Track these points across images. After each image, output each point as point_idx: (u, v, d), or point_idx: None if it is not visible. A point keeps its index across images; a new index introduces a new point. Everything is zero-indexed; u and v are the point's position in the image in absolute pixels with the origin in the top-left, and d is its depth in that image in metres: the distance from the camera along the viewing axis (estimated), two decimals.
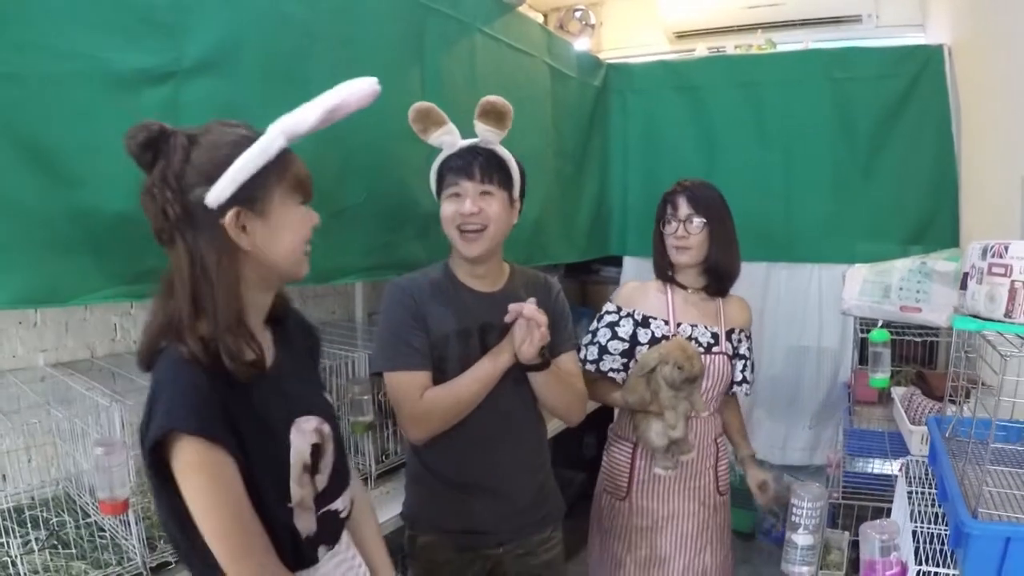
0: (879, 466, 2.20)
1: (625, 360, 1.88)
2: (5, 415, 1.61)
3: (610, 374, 1.88)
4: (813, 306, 2.81)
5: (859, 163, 2.71)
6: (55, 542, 1.50)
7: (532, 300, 1.47)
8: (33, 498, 1.64)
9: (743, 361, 1.95)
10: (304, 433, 1.07)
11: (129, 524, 1.43)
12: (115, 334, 1.90)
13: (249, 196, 0.97)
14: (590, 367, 1.88)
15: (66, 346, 1.79)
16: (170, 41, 1.27)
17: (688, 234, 1.85)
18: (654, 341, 1.85)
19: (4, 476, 1.65)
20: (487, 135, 1.52)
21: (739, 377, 1.94)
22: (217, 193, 0.95)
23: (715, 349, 1.89)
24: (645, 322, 1.88)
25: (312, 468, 1.08)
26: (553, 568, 1.71)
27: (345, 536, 1.22)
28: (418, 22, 1.88)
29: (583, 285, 3.78)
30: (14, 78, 1.07)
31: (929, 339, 2.44)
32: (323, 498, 1.11)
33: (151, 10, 1.25)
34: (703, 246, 1.86)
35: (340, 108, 1.01)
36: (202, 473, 0.93)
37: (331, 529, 1.14)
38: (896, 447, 1.95)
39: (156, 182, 0.96)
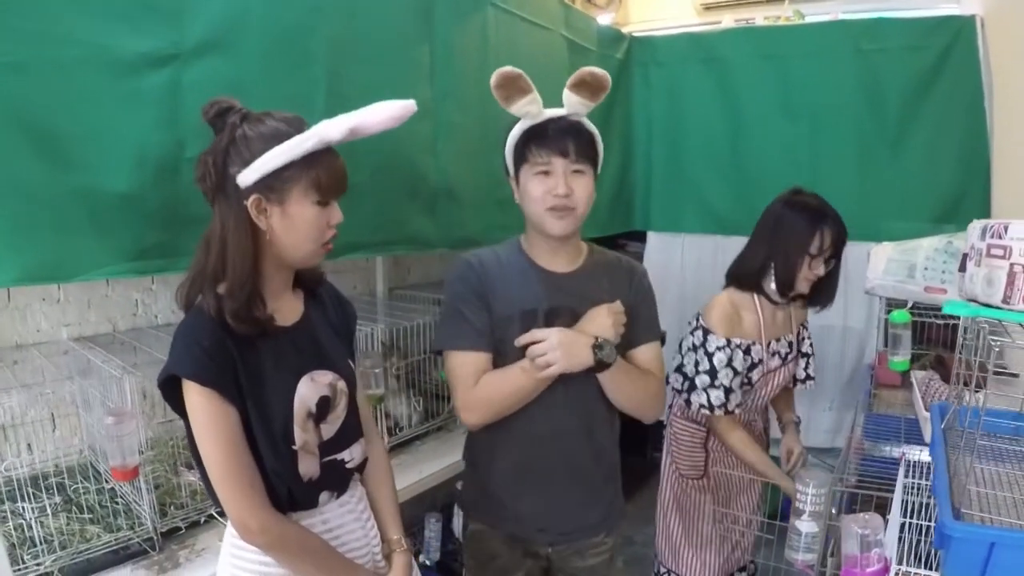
0: (897, 454, 2.16)
1: (742, 391, 1.89)
2: (29, 387, 1.68)
3: (737, 411, 1.89)
4: (839, 285, 2.75)
5: (887, 138, 2.61)
6: (73, 507, 1.56)
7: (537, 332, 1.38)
8: (57, 466, 1.72)
9: (807, 359, 2.01)
10: (316, 384, 1.18)
11: (141, 491, 1.49)
12: (136, 309, 1.96)
13: (271, 185, 1.08)
14: (718, 411, 1.85)
15: (89, 321, 1.86)
16: (172, 24, 1.29)
17: (823, 273, 1.86)
18: (753, 366, 1.88)
19: (29, 445, 1.73)
20: (579, 107, 1.39)
21: (802, 375, 2.03)
22: (246, 176, 1.07)
23: (789, 357, 1.96)
24: (748, 350, 1.88)
25: (318, 417, 1.18)
26: (596, 572, 1.60)
27: (359, 491, 1.31)
28: None
29: None
30: (19, 67, 1.10)
31: (952, 323, 2.35)
32: (329, 446, 1.21)
33: None
34: None
35: (363, 128, 1.10)
36: (199, 412, 1.07)
37: (336, 477, 1.24)
38: (912, 433, 1.90)
39: (208, 152, 1.09)
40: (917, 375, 1.89)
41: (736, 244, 2.03)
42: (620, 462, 1.62)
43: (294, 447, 1.15)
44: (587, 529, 1.56)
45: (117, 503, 1.57)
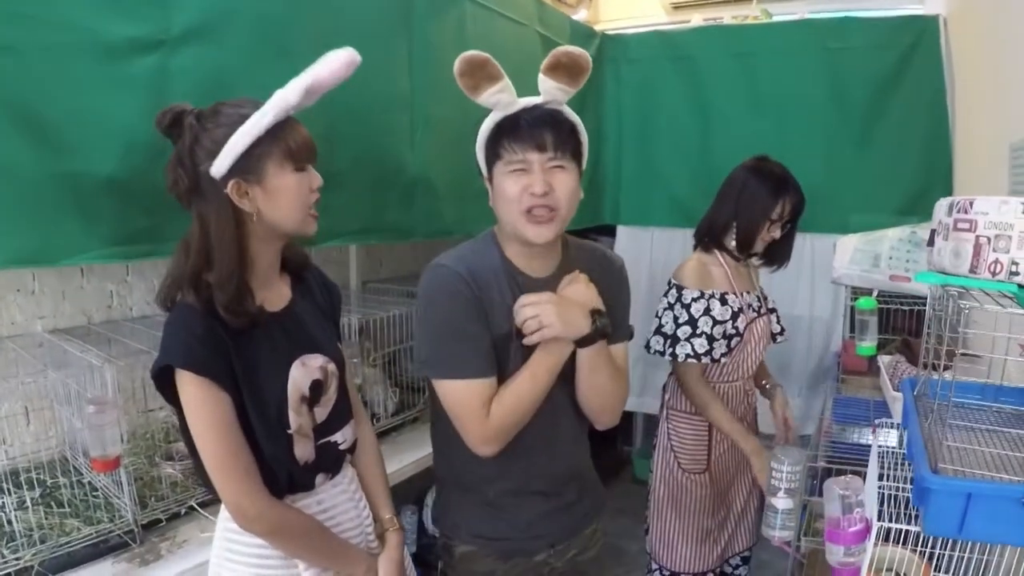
0: (864, 435, 2.23)
1: (727, 340, 1.94)
2: (5, 380, 1.64)
3: (722, 359, 1.93)
4: (805, 276, 2.81)
5: (853, 133, 2.70)
6: (51, 501, 1.54)
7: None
8: (31, 460, 1.69)
9: (775, 314, 2.10)
10: (308, 368, 1.20)
11: (121, 483, 1.47)
12: (111, 301, 1.94)
13: (245, 167, 1.09)
14: (704, 359, 1.90)
15: (63, 313, 1.83)
16: (159, 10, 1.29)
17: (779, 236, 1.96)
18: (735, 315, 1.93)
19: (3, 439, 1.69)
20: (557, 93, 1.23)
21: (777, 328, 2.10)
22: (218, 166, 1.07)
23: (762, 311, 2.04)
24: (723, 299, 1.94)
25: (311, 400, 1.20)
26: (598, 563, 1.58)
27: (351, 472, 1.33)
28: None
29: None
30: (8, 49, 1.10)
31: (918, 308, 2.45)
32: (323, 429, 1.24)
33: None
34: None
35: (319, 84, 1.10)
36: (193, 401, 1.08)
37: (330, 459, 1.26)
38: (880, 415, 1.96)
39: (172, 159, 1.11)
40: (884, 359, 1.97)
41: None
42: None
43: (289, 431, 1.16)
44: (581, 521, 1.52)
45: (96, 497, 1.55)
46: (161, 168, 1.29)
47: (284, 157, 1.11)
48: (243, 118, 1.07)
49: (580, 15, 3.61)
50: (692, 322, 1.90)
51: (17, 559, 1.34)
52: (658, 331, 1.97)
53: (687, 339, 1.90)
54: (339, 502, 1.26)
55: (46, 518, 1.47)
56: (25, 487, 1.55)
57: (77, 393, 1.56)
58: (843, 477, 1.08)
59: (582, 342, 1.28)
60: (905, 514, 0.97)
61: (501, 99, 1.23)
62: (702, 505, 2.02)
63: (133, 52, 1.27)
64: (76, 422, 1.61)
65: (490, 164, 1.28)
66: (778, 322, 2.10)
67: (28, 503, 1.47)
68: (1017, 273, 0.94)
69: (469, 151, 2.33)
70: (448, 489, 1.49)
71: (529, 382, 1.27)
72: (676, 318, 1.93)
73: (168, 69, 1.31)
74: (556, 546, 1.47)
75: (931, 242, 1.08)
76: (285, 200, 1.12)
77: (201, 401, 1.07)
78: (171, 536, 1.52)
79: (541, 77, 1.22)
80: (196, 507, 1.59)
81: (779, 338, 2.11)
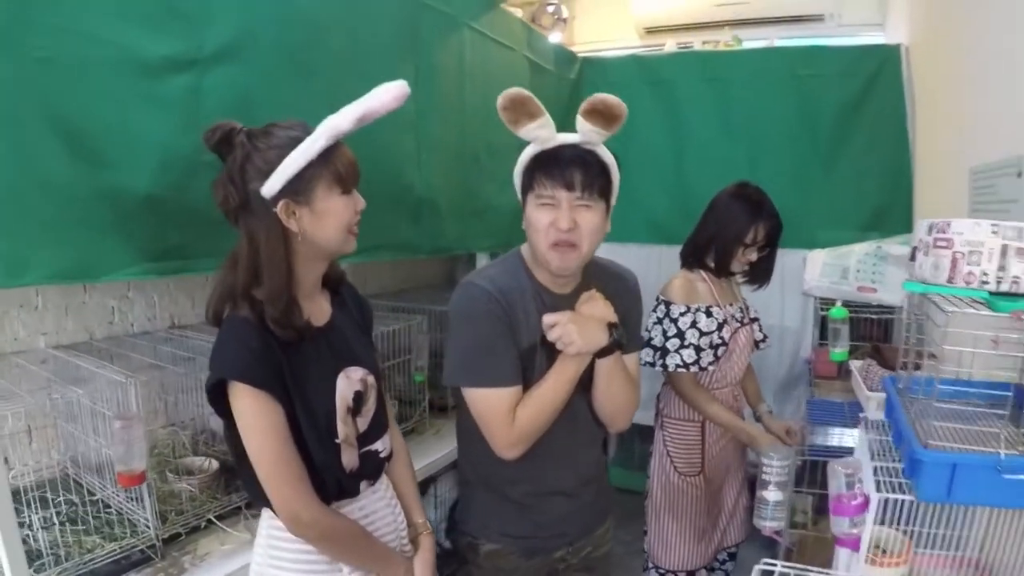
0: (838, 438, 2.38)
1: (713, 349, 2.04)
2: (7, 399, 1.64)
3: (710, 367, 2.04)
4: (775, 288, 2.92)
5: (820, 155, 2.87)
6: (65, 520, 1.54)
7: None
8: (34, 479, 1.66)
9: (757, 323, 2.21)
10: (351, 380, 1.26)
11: (143, 498, 1.49)
12: (113, 317, 1.94)
13: (296, 188, 1.13)
14: (693, 368, 2.01)
15: (66, 329, 1.83)
16: (192, 30, 1.34)
17: (756, 260, 2.07)
18: (720, 326, 2.03)
19: (6, 459, 1.69)
20: (591, 135, 1.30)
21: (760, 336, 2.21)
22: (270, 187, 1.11)
23: (745, 320, 2.14)
24: (708, 312, 2.05)
25: (355, 411, 1.25)
26: (607, 560, 1.68)
27: (386, 479, 1.39)
28: (414, 17, 1.97)
29: None
30: (51, 62, 1.13)
31: (884, 317, 2.62)
32: (365, 439, 1.29)
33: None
34: None
35: (371, 114, 1.15)
36: (248, 412, 1.11)
37: (372, 466, 1.31)
38: (853, 414, 2.10)
39: (223, 175, 1.13)
40: (855, 363, 2.11)
41: (679, 255, 2.20)
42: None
43: (337, 441, 1.21)
44: (596, 519, 1.62)
45: (109, 514, 1.56)
46: (193, 186, 1.35)
47: (333, 181, 1.16)
48: (294, 140, 1.11)
49: (555, 37, 3.74)
50: (680, 335, 2.01)
51: None
52: (648, 344, 2.08)
53: (676, 351, 2.01)
54: (378, 508, 1.32)
55: (63, 536, 1.47)
56: (36, 506, 1.54)
57: (92, 411, 1.57)
58: (845, 459, 1.20)
59: (600, 353, 1.38)
60: (898, 488, 1.10)
61: (540, 135, 1.32)
62: (698, 506, 2.13)
63: (168, 70, 1.31)
64: (89, 440, 1.61)
65: (524, 192, 1.39)
66: (760, 330, 2.23)
67: (53, 520, 1.49)
68: (987, 282, 1.08)
69: (468, 172, 2.44)
70: (474, 491, 1.57)
71: (551, 391, 1.36)
72: (665, 332, 2.04)
73: (200, 88, 1.36)
74: (574, 544, 1.58)
75: (913, 257, 1.21)
76: (331, 222, 1.17)
77: (257, 412, 1.10)
78: (191, 550, 1.54)
79: (579, 119, 1.29)
80: (215, 520, 1.62)
81: (762, 344, 2.24)
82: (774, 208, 2.05)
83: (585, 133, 1.30)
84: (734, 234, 2.02)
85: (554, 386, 1.36)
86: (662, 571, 2.20)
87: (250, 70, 1.45)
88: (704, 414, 2.07)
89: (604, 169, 1.34)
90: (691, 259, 2.14)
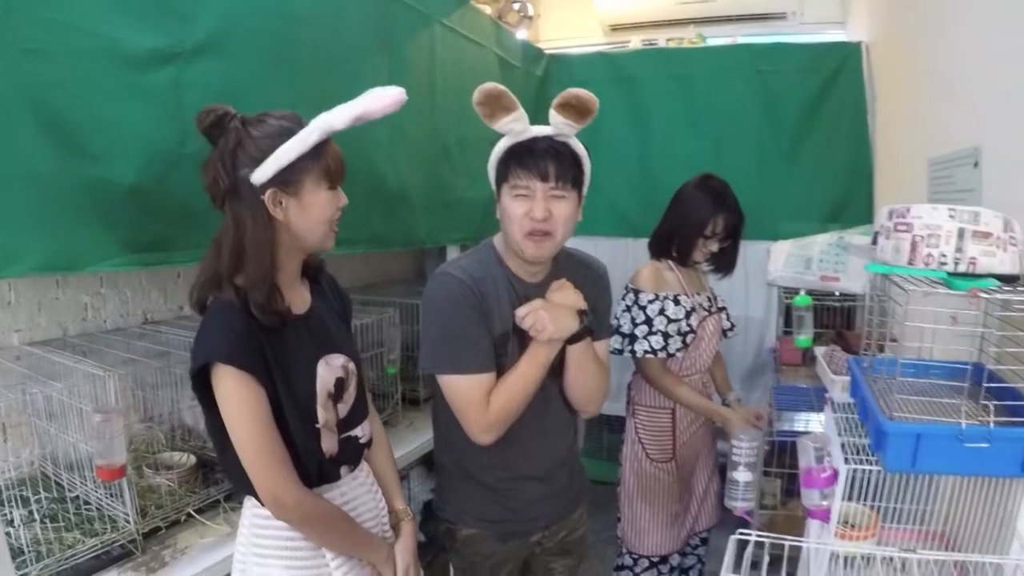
0: (804, 422, 2.46)
1: (682, 336, 2.09)
2: None
3: (678, 353, 2.09)
4: (740, 279, 2.99)
5: (783, 149, 2.96)
6: (45, 516, 1.53)
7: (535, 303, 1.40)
8: (10, 477, 1.67)
9: (724, 312, 2.29)
10: (332, 367, 1.27)
11: (123, 493, 1.49)
12: (86, 313, 1.92)
13: (286, 179, 1.15)
14: (660, 354, 2.06)
15: (39, 325, 1.81)
16: (177, 23, 1.34)
17: (719, 251, 2.13)
18: (688, 313, 2.09)
19: None
20: (564, 128, 1.34)
21: (727, 324, 2.29)
22: (261, 174, 1.13)
23: (712, 309, 2.21)
24: (676, 300, 2.10)
25: (336, 397, 1.27)
26: (583, 543, 1.73)
27: (366, 466, 1.40)
28: (387, 13, 1.99)
29: None
30: (37, 53, 1.13)
31: (847, 304, 2.72)
32: (345, 424, 1.31)
33: None
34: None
35: (367, 115, 1.17)
36: (233, 395, 1.12)
37: (352, 452, 1.33)
38: (820, 400, 2.18)
39: (214, 158, 1.14)
40: (820, 349, 2.18)
41: (645, 246, 2.26)
42: None
43: (317, 426, 1.23)
44: (570, 505, 1.66)
45: (89, 510, 1.55)
46: (176, 178, 1.36)
47: (322, 175, 1.18)
48: (287, 131, 1.14)
49: (521, 34, 3.77)
50: (648, 321, 2.08)
51: (25, 575, 1.34)
52: (616, 331, 2.13)
53: (644, 337, 2.07)
54: (359, 494, 1.34)
55: (42, 533, 1.46)
56: (12, 504, 1.53)
57: (68, 407, 1.55)
58: (813, 433, 1.26)
59: (571, 340, 1.43)
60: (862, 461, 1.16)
61: (515, 128, 1.36)
62: (670, 492, 2.19)
63: (152, 62, 1.31)
64: (65, 436, 1.60)
65: (499, 183, 1.43)
66: (728, 319, 2.30)
67: (34, 517, 1.48)
68: (946, 263, 1.14)
69: (439, 166, 2.46)
70: (450, 478, 1.61)
71: (524, 376, 1.41)
72: (634, 319, 2.09)
73: (183, 81, 1.36)
74: (549, 528, 1.61)
75: (875, 241, 1.27)
76: (316, 215, 1.19)
77: (240, 395, 1.11)
78: (172, 543, 1.54)
79: (552, 112, 1.34)
80: (194, 514, 1.62)
81: (729, 333, 2.31)
82: (736, 201, 2.11)
83: (558, 126, 1.34)
84: (695, 225, 2.09)
85: (526, 372, 1.41)
86: (635, 556, 2.25)
87: (230, 64, 1.46)
88: (674, 398, 2.13)
89: (576, 160, 1.39)
90: (657, 249, 2.20)
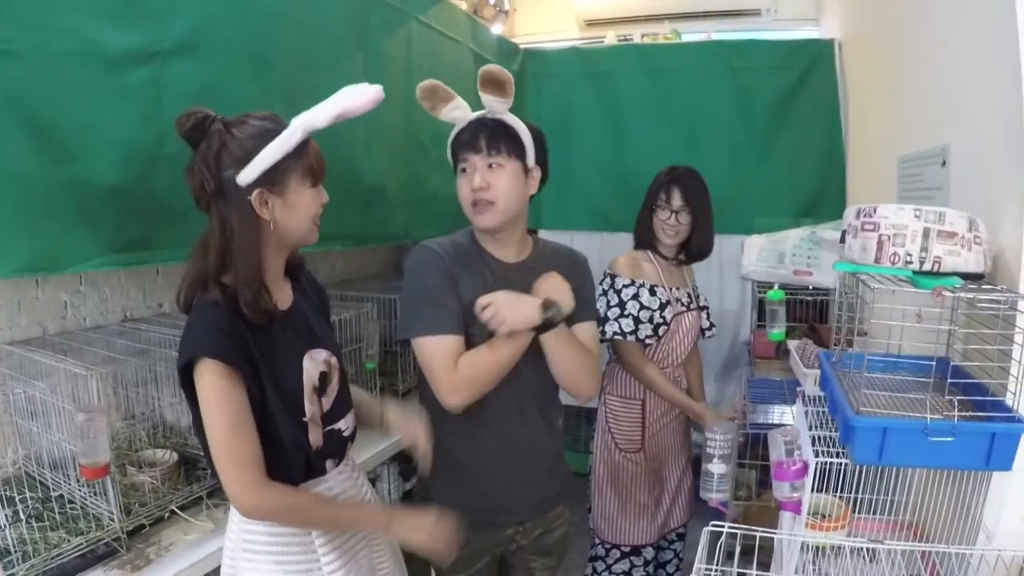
0: (779, 415, 2.52)
1: (653, 326, 2.12)
2: None
3: (647, 341, 2.12)
4: (715, 272, 3.08)
5: (756, 144, 3.01)
6: (30, 516, 1.53)
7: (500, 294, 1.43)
8: None
9: (706, 311, 2.33)
10: (315, 362, 1.30)
11: (106, 491, 1.49)
12: (66, 312, 1.91)
13: (271, 179, 1.17)
14: (630, 337, 2.10)
15: (19, 324, 1.80)
16: (154, 23, 1.35)
17: (679, 223, 2.15)
18: (663, 306, 2.13)
19: None
20: (493, 104, 1.44)
21: (706, 324, 2.33)
22: (245, 175, 1.14)
23: (691, 306, 2.25)
24: (652, 290, 2.14)
25: (320, 390, 1.29)
26: (564, 543, 1.73)
27: (352, 460, 1.43)
28: (363, 10, 2.00)
29: None
30: (16, 55, 1.13)
31: (820, 298, 2.78)
32: (329, 418, 1.33)
33: None
34: (687, 231, 2.18)
35: (347, 113, 1.19)
36: (213, 389, 1.12)
37: (336, 445, 1.35)
38: (793, 393, 2.23)
39: (198, 161, 1.15)
40: (793, 343, 2.24)
41: (620, 240, 2.32)
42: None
43: (304, 419, 1.25)
44: (549, 502, 1.68)
45: (73, 509, 1.55)
46: (155, 177, 1.37)
47: (306, 173, 1.20)
48: (270, 132, 1.15)
49: (496, 29, 3.78)
50: (621, 304, 2.13)
51: (12, 575, 1.34)
52: None
53: (615, 319, 2.12)
54: (345, 488, 1.36)
55: (28, 533, 1.46)
56: (1, 504, 1.52)
57: (48, 405, 1.55)
58: (784, 427, 1.31)
59: (540, 329, 1.46)
60: (834, 454, 1.21)
61: (456, 115, 1.47)
62: (638, 482, 2.23)
63: (130, 63, 1.31)
64: (47, 435, 1.59)
65: (455, 171, 1.53)
66: (708, 318, 2.34)
67: (20, 517, 1.48)
68: (911, 262, 1.19)
69: (415, 161, 2.47)
70: (438, 460, 1.59)
71: (492, 351, 1.44)
72: (608, 302, 2.14)
73: (161, 80, 1.37)
74: (524, 524, 1.64)
75: (842, 240, 1.32)
76: (300, 213, 1.22)
77: (218, 390, 1.12)
78: (156, 541, 1.54)
79: (480, 94, 1.44)
80: (177, 511, 1.63)
81: (707, 333, 2.35)
82: (694, 179, 2.16)
83: (489, 104, 1.45)
84: (649, 199, 2.18)
85: (498, 347, 1.44)
86: (608, 547, 2.29)
87: (208, 63, 1.46)
88: (651, 387, 2.17)
89: (510, 131, 1.47)
90: (636, 240, 2.26)
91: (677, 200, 2.14)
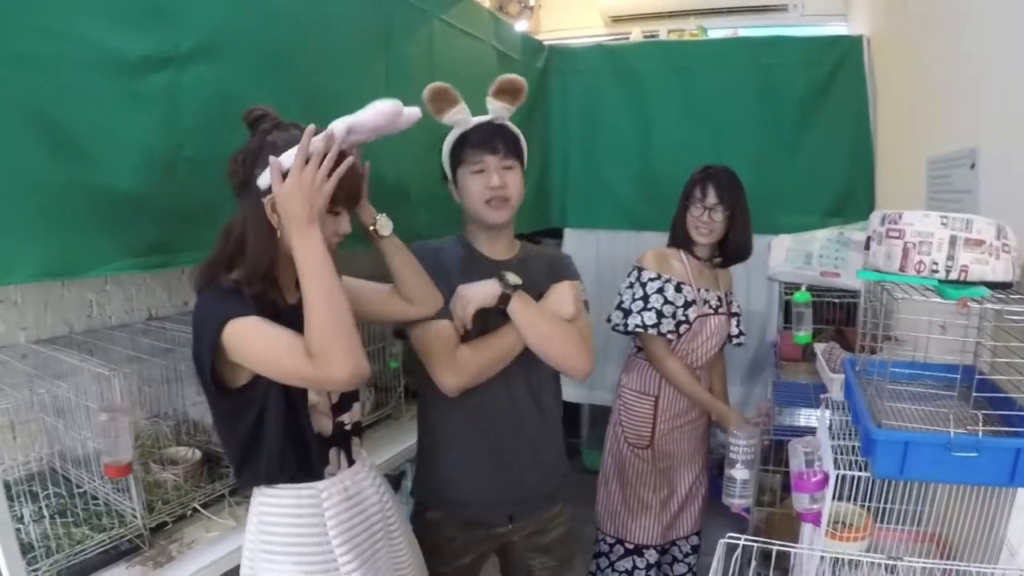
0: (804, 418, 2.48)
1: (676, 323, 2.11)
2: None
3: (668, 336, 2.11)
4: (741, 273, 2.98)
5: (783, 143, 2.95)
6: (54, 513, 1.56)
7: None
8: (20, 474, 1.69)
9: (736, 318, 2.29)
10: None
11: (129, 489, 1.52)
12: (91, 310, 1.94)
13: None
14: (652, 331, 2.09)
15: (46, 323, 1.83)
16: (171, 28, 1.35)
17: (712, 220, 2.13)
18: (687, 304, 2.11)
19: None
20: (501, 112, 1.57)
21: (735, 331, 2.30)
22: (264, 179, 1.17)
23: (720, 310, 2.23)
24: (679, 287, 2.13)
25: None
26: (564, 543, 1.74)
27: (367, 460, 1.44)
28: (386, 12, 1.99)
29: None
30: (34, 63, 1.14)
31: (847, 301, 2.72)
32: (336, 409, 1.33)
33: None
34: (722, 230, 2.15)
35: (359, 126, 1.19)
36: (249, 329, 1.13)
37: (340, 436, 1.35)
38: (819, 396, 2.19)
39: (240, 150, 1.20)
40: (819, 346, 2.19)
41: (646, 238, 2.29)
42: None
43: (310, 405, 1.26)
44: (544, 500, 1.70)
45: (97, 505, 1.58)
46: (173, 182, 1.39)
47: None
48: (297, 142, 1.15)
49: (521, 26, 3.76)
50: (645, 298, 2.12)
51: (35, 570, 1.37)
52: (619, 306, 2.18)
53: (639, 312, 2.11)
54: (363, 487, 1.37)
55: (51, 529, 1.49)
56: (28, 500, 1.56)
57: (75, 404, 1.58)
58: (804, 438, 1.28)
59: (503, 302, 1.53)
60: (855, 465, 1.18)
61: (460, 118, 1.56)
62: (643, 479, 2.21)
63: (147, 68, 1.32)
64: (73, 432, 1.63)
65: (454, 168, 1.60)
66: (738, 325, 2.30)
67: (44, 513, 1.51)
68: (937, 271, 1.15)
69: (437, 161, 2.47)
70: (424, 458, 1.70)
71: (490, 338, 1.54)
72: (633, 295, 2.14)
73: (178, 86, 1.37)
74: (515, 521, 1.66)
75: (867, 246, 1.29)
76: None
77: (257, 327, 1.13)
78: (178, 538, 1.57)
79: (489, 99, 1.56)
80: (200, 509, 1.66)
81: (735, 340, 2.32)
82: (728, 177, 2.13)
83: (496, 110, 1.57)
84: (683, 197, 2.15)
85: (494, 337, 1.54)
86: (611, 543, 2.27)
87: (227, 68, 1.46)
88: (672, 380, 2.15)
89: (516, 138, 1.61)
90: (672, 239, 2.24)
91: (712, 197, 2.11)
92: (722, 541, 1.05)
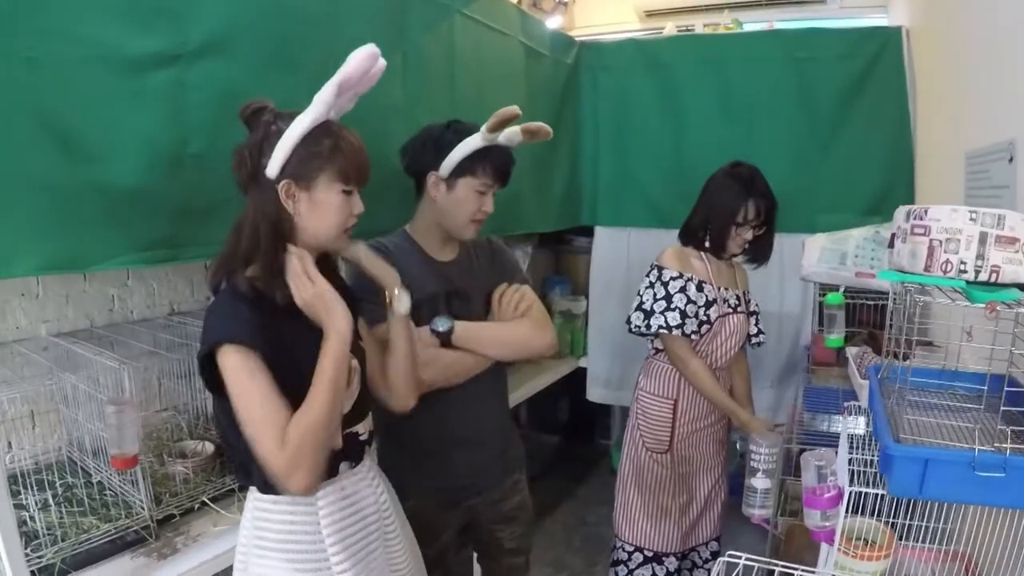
0: (835, 425, 2.37)
1: (697, 322, 2.06)
2: (11, 384, 1.68)
3: (692, 336, 2.06)
4: (775, 273, 2.93)
5: (820, 138, 2.84)
6: (64, 501, 1.58)
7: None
8: (38, 462, 1.73)
9: (755, 316, 2.23)
10: None
11: (137, 481, 1.53)
12: (113, 304, 1.97)
13: (299, 172, 1.18)
14: (676, 331, 2.04)
15: (67, 317, 1.86)
16: (177, 25, 1.35)
17: (753, 239, 2.09)
18: (708, 304, 2.06)
19: (11, 443, 1.73)
20: (516, 142, 1.63)
21: (754, 331, 2.24)
22: (273, 165, 1.17)
23: (739, 309, 2.17)
24: (700, 286, 2.08)
25: None
26: (524, 509, 1.86)
27: (368, 461, 1.40)
28: (400, 6, 1.97)
29: (556, 255, 3.91)
30: (40, 62, 1.15)
31: (882, 303, 2.59)
32: (347, 420, 1.30)
33: None
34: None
35: (348, 79, 1.17)
36: (237, 373, 1.11)
37: (353, 449, 1.33)
38: (849, 402, 2.09)
39: (243, 145, 1.20)
40: (851, 350, 2.09)
41: (676, 237, 2.21)
42: None
43: None
44: (504, 468, 1.79)
45: (107, 495, 1.60)
46: (180, 178, 1.38)
47: (337, 174, 1.20)
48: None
49: (555, 21, 3.71)
50: (668, 298, 2.06)
51: (40, 557, 1.38)
52: (639, 308, 2.11)
53: (661, 312, 2.05)
54: (359, 489, 1.34)
55: (60, 517, 1.51)
56: (36, 488, 1.58)
57: (89, 396, 1.61)
58: (818, 450, 1.20)
59: (446, 344, 1.60)
60: (875, 482, 1.10)
61: (503, 136, 1.59)
62: (662, 484, 2.16)
63: (153, 66, 1.32)
64: (88, 424, 1.65)
65: (459, 174, 1.60)
66: (756, 324, 2.23)
67: (50, 502, 1.53)
68: (965, 271, 1.07)
69: None
70: (393, 455, 1.70)
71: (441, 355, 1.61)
72: (655, 295, 2.08)
73: (184, 82, 1.38)
74: (483, 493, 1.75)
75: (891, 244, 1.20)
76: (324, 215, 1.21)
77: (245, 370, 1.10)
78: (185, 531, 1.57)
79: (518, 130, 1.60)
80: (208, 502, 1.66)
81: (754, 340, 2.24)
82: (767, 186, 2.05)
83: (513, 140, 1.62)
84: (727, 213, 2.05)
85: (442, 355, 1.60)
86: (630, 550, 2.22)
87: (234, 64, 1.46)
88: (695, 381, 2.09)
89: None
90: (687, 240, 2.16)
91: (761, 217, 2.06)
92: (721, 560, 1.00)
